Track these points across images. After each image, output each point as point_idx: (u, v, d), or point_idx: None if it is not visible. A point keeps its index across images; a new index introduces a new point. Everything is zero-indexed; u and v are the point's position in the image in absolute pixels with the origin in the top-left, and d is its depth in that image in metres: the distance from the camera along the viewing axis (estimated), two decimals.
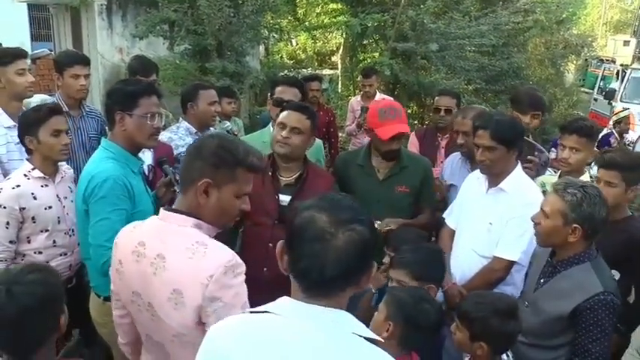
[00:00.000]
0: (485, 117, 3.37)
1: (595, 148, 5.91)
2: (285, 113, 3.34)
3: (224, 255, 1.99)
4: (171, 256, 2.01)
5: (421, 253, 2.95)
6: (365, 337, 1.51)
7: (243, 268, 2.00)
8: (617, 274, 3.20)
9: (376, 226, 3.44)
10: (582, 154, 3.55)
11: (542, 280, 2.81)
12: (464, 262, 3.33)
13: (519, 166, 3.33)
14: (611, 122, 10.02)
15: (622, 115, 9.21)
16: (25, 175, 3.23)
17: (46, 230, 3.27)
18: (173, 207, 2.14)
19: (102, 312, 2.90)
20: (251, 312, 1.57)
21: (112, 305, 2.35)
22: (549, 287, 2.75)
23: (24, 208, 3.17)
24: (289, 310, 1.50)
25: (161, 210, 2.13)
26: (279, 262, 1.58)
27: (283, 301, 1.54)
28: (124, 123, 2.88)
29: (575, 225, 2.59)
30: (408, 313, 2.44)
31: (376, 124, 3.54)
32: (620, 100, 12.77)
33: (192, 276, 1.95)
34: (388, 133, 3.48)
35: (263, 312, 1.52)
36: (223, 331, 1.56)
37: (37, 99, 4.31)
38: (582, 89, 17.01)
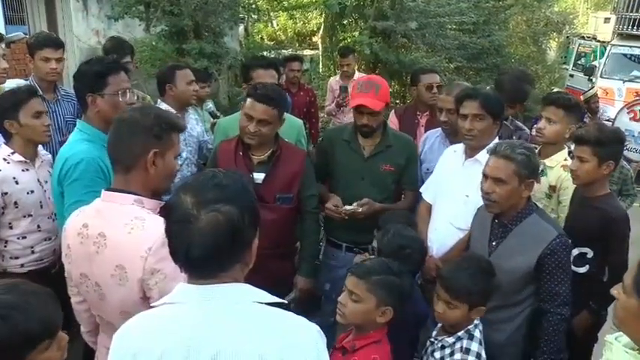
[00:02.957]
0: (472, 89, 3.43)
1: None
2: (250, 103, 3.27)
3: (162, 227, 2.01)
4: (112, 233, 2.05)
5: (397, 239, 2.95)
6: (268, 303, 1.54)
7: None
8: (590, 252, 3.23)
9: (348, 208, 3.46)
10: (558, 125, 3.58)
11: (494, 243, 2.89)
12: (441, 235, 3.37)
13: (497, 140, 3.35)
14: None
15: (590, 94, 9.29)
16: (5, 160, 3.18)
17: (30, 215, 3.24)
18: (112, 187, 2.17)
19: None
20: (151, 306, 1.61)
21: (68, 292, 2.37)
22: (506, 246, 2.84)
23: (6, 193, 3.13)
24: (186, 296, 1.52)
25: (102, 191, 2.17)
26: (168, 246, 1.59)
27: (179, 287, 1.56)
28: (96, 104, 2.87)
29: (529, 180, 2.74)
30: (399, 293, 2.47)
31: (351, 96, 3.59)
32: (601, 77, 12.83)
33: (132, 250, 2.00)
34: (351, 104, 3.53)
35: (163, 304, 1.55)
36: (131, 329, 1.58)
37: (12, 83, 4.24)
38: (564, 66, 17.01)
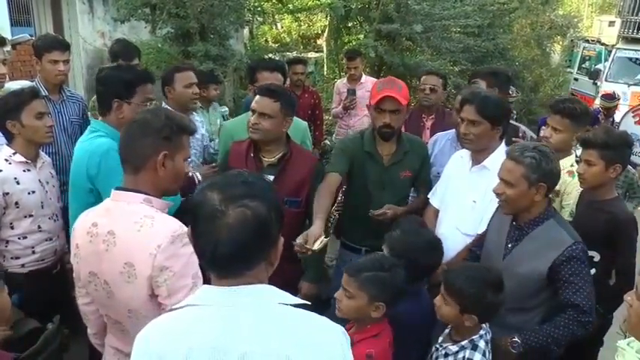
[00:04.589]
0: (472, 92, 3.40)
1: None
2: (256, 98, 3.33)
3: (171, 225, 2.06)
4: (121, 231, 2.07)
5: (411, 236, 2.97)
6: (292, 304, 1.53)
7: None
8: (597, 256, 3.22)
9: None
10: (563, 135, 3.58)
11: (509, 246, 2.87)
12: (447, 240, 3.33)
13: (503, 145, 3.35)
14: (598, 101, 10.13)
15: (614, 104, 9.35)
16: (7, 160, 3.19)
17: (30, 215, 3.25)
18: (122, 186, 2.18)
19: None
20: (173, 308, 1.57)
21: (76, 294, 2.38)
22: (520, 250, 2.81)
23: (7, 194, 3.14)
24: (210, 298, 1.50)
25: (112, 190, 2.18)
26: (193, 246, 1.57)
27: (203, 289, 1.54)
28: (121, 110, 2.94)
29: (540, 184, 2.68)
30: (390, 288, 2.51)
31: (372, 95, 3.52)
32: (606, 80, 12.82)
33: (141, 248, 2.01)
34: (374, 99, 3.44)
35: (186, 305, 1.52)
36: (154, 331, 1.55)
37: (16, 85, 4.26)
38: (569, 70, 17.00)
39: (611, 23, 17.88)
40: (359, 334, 2.49)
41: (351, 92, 6.66)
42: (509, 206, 2.80)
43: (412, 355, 2.73)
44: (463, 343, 2.51)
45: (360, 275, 2.50)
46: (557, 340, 2.65)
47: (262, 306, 1.49)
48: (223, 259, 1.48)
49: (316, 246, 2.91)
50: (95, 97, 4.30)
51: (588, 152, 3.20)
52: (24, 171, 3.23)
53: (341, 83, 7.25)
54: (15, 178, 3.17)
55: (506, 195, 2.75)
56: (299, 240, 2.95)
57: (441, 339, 2.66)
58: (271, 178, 3.29)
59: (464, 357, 2.49)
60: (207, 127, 5.13)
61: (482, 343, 2.50)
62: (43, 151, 3.48)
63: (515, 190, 2.71)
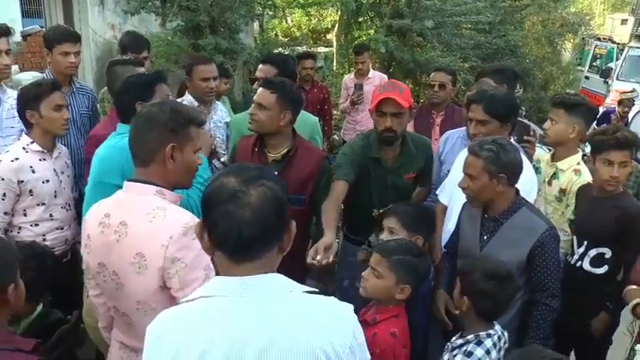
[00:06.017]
0: (479, 91, 3.37)
1: (595, 125, 5.91)
2: (258, 89, 3.35)
3: (183, 217, 2.07)
4: (133, 222, 2.06)
5: (412, 207, 3.24)
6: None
7: None
8: (608, 252, 3.20)
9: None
10: (559, 125, 3.56)
11: (485, 237, 2.93)
12: None
13: (512, 142, 3.32)
14: (609, 100, 10.08)
15: (628, 96, 9.29)
16: (24, 149, 3.27)
17: (43, 204, 3.30)
18: (134, 178, 2.17)
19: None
20: (186, 301, 1.54)
21: (87, 285, 2.39)
22: (498, 240, 2.87)
23: (22, 181, 3.20)
24: (225, 289, 1.50)
25: (125, 182, 2.18)
26: (200, 243, 1.57)
27: (216, 280, 1.54)
28: None
29: (500, 175, 2.73)
30: (418, 273, 2.64)
31: (373, 99, 3.45)
32: (617, 79, 12.73)
33: (152, 238, 2.01)
34: (374, 103, 3.37)
35: (199, 297, 1.50)
36: (169, 324, 1.52)
37: (28, 76, 4.28)
38: (579, 68, 16.91)
39: (624, 21, 17.78)
40: (381, 314, 2.60)
41: (359, 87, 6.64)
42: (474, 199, 2.86)
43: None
44: (469, 337, 2.53)
45: (391, 257, 2.61)
46: (546, 336, 2.80)
47: (276, 294, 1.50)
48: (248, 241, 1.48)
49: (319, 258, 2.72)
50: (105, 89, 4.34)
51: (625, 153, 3.19)
52: (40, 160, 3.29)
53: (348, 78, 7.23)
54: (31, 167, 3.23)
55: (470, 188, 2.80)
56: (311, 253, 2.78)
57: (453, 338, 2.67)
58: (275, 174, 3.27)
59: (466, 350, 2.50)
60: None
61: (488, 342, 2.50)
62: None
63: (477, 183, 2.77)
